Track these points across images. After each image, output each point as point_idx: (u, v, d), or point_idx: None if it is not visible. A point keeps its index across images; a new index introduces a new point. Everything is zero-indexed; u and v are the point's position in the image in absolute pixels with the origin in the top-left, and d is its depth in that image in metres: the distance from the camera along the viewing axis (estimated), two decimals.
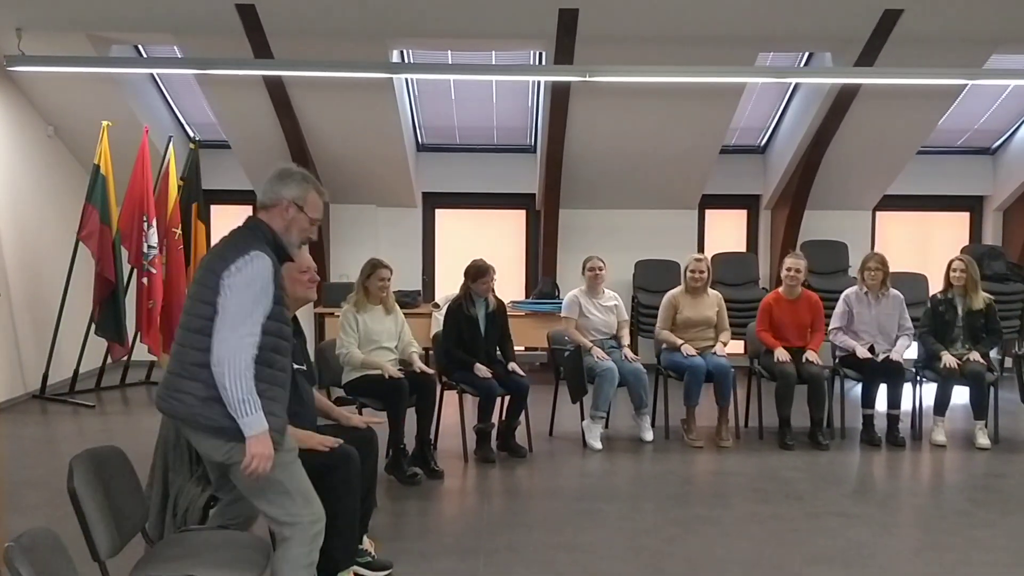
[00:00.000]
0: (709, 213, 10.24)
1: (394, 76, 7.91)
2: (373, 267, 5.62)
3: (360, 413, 5.38)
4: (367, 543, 3.99)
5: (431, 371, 5.71)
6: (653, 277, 9.48)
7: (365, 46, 7.52)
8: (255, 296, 2.89)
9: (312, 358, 5.63)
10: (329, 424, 4.12)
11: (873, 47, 7.48)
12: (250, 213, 10.18)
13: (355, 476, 3.57)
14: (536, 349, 9.32)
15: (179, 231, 8.07)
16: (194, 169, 8.42)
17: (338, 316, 5.69)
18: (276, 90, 8.06)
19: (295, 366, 3.73)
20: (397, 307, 5.81)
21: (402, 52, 8.18)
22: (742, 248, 10.25)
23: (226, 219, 9.98)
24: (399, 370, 5.51)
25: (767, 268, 9.96)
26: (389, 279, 5.63)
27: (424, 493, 5.33)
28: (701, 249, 10.03)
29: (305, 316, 9.23)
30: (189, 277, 7.81)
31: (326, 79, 7.83)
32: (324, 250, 9.49)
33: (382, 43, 7.62)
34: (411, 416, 5.57)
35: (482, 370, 5.92)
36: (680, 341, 6.56)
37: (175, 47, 7.91)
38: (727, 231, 10.32)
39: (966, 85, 8.20)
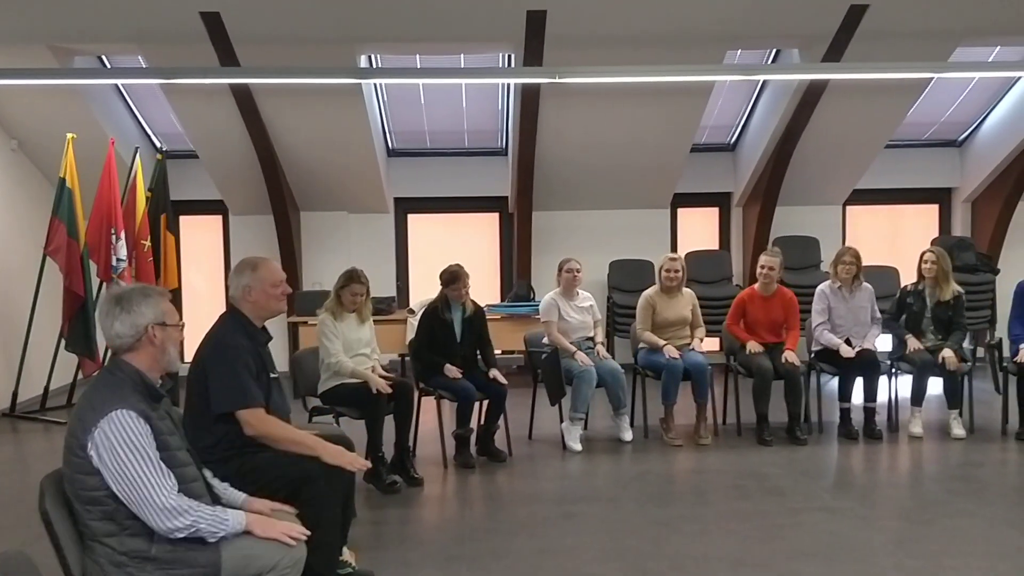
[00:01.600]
0: (681, 212, 10.27)
1: (362, 82, 7.86)
2: (349, 279, 5.57)
3: (337, 422, 5.35)
4: (347, 554, 3.94)
5: (388, 390, 5.46)
6: (628, 277, 9.49)
7: (332, 52, 7.47)
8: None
9: (287, 367, 5.66)
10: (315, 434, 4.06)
11: (840, 43, 7.54)
12: (220, 223, 10.09)
13: (334, 487, 3.53)
14: (513, 352, 9.28)
15: (148, 243, 7.96)
16: (162, 180, 8.33)
17: (312, 325, 5.63)
18: (243, 98, 7.98)
19: (270, 375, 3.71)
20: (371, 324, 5.76)
21: (370, 57, 8.13)
22: (715, 246, 10.29)
23: (196, 230, 9.93)
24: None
25: (740, 265, 10.01)
26: (363, 295, 5.58)
27: (404, 501, 5.28)
28: (674, 248, 10.07)
29: (278, 325, 9.17)
30: None
31: (294, 86, 7.77)
32: (296, 258, 9.42)
33: (350, 49, 7.57)
34: (390, 424, 5.52)
35: (451, 370, 5.89)
36: (663, 342, 6.55)
37: (139, 57, 7.81)
38: (699, 229, 10.36)
39: (932, 79, 8.28)
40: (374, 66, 8.23)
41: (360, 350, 5.54)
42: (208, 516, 2.79)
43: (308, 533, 3.02)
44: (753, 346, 6.56)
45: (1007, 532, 4.54)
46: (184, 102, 8.17)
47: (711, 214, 10.40)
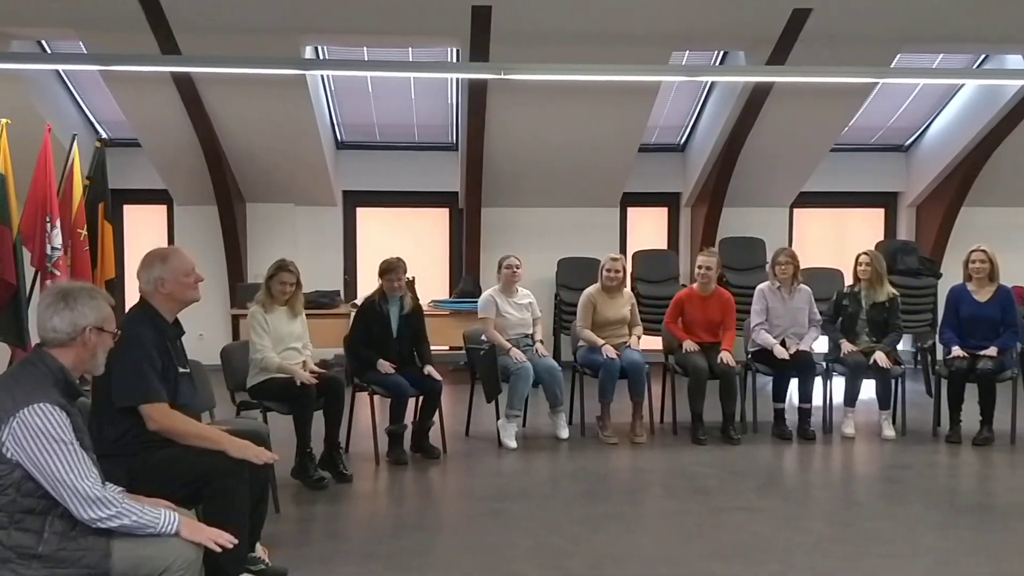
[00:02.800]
0: (631, 211, 10.31)
1: (307, 73, 7.79)
2: (278, 268, 5.50)
3: (265, 417, 5.29)
4: (260, 550, 3.89)
5: (313, 381, 5.38)
6: (576, 275, 9.47)
7: (277, 42, 7.40)
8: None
9: (217, 360, 5.58)
10: (226, 428, 4.01)
11: (784, 46, 7.59)
12: (164, 213, 9.96)
13: (243, 483, 3.47)
14: (460, 348, 9.24)
15: (85, 232, 7.79)
16: (100, 168, 8.15)
17: None
18: (185, 87, 7.88)
19: (180, 369, 3.65)
20: (303, 310, 5.69)
21: (316, 48, 8.06)
22: (664, 245, 10.33)
23: (140, 219, 9.79)
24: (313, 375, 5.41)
25: (687, 265, 10.04)
26: (293, 283, 5.50)
27: (332, 497, 5.23)
28: (623, 247, 10.10)
29: (221, 317, 9.09)
30: (96, 279, 7.58)
31: (237, 75, 7.68)
32: (241, 250, 9.33)
33: (294, 39, 7.50)
34: (320, 419, 5.46)
35: (384, 365, 5.84)
36: (601, 342, 6.56)
37: (80, 43, 7.68)
38: (649, 228, 10.41)
39: (877, 84, 8.37)
40: (320, 57, 8.15)
41: (291, 344, 5.47)
42: (135, 512, 2.76)
43: (235, 541, 2.98)
44: (689, 345, 6.60)
45: (924, 533, 4.60)
46: (125, 90, 8.05)
47: (660, 214, 10.44)
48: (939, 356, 6.85)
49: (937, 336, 6.96)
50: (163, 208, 9.80)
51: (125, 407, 3.42)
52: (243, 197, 9.46)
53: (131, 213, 9.85)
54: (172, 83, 7.82)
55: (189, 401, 3.68)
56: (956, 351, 6.42)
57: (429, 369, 6.04)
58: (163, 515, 2.82)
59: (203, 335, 8.61)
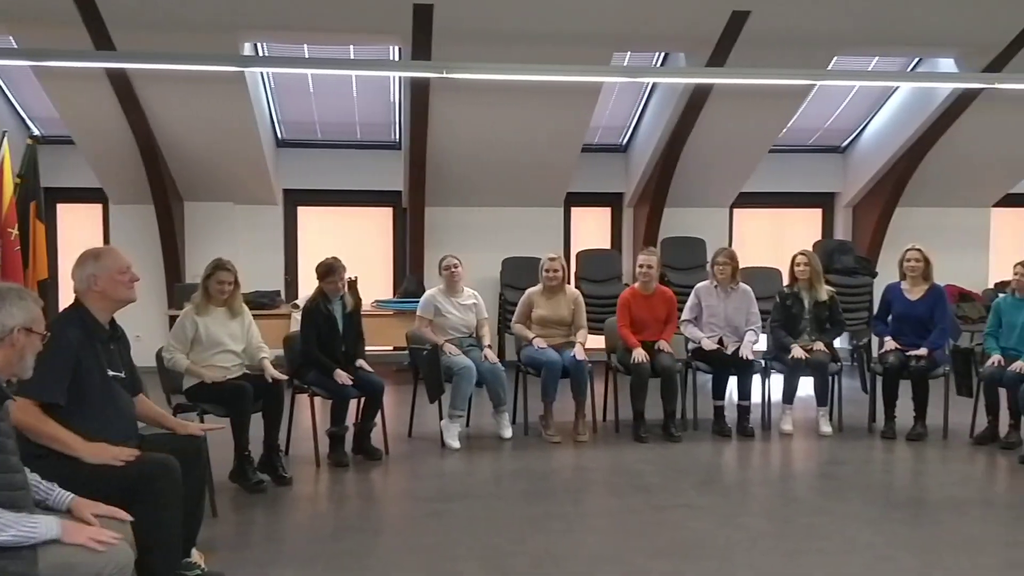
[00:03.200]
0: (575, 211, 10.35)
1: (246, 70, 7.67)
2: (214, 268, 5.39)
3: (201, 420, 5.18)
4: (196, 555, 3.82)
5: (284, 377, 5.47)
6: (520, 274, 9.46)
7: (215, 39, 7.29)
8: None
9: (153, 362, 5.47)
10: (163, 433, 3.93)
11: (723, 48, 7.68)
12: (100, 212, 9.74)
13: (175, 487, 3.40)
14: (403, 349, 9.20)
15: (15, 231, 7.59)
16: (32, 166, 7.94)
17: None
18: (120, 84, 7.72)
19: (111, 373, 3.57)
20: (245, 309, 5.59)
21: (255, 45, 7.95)
22: (607, 245, 10.39)
23: (75, 218, 9.58)
24: (243, 376, 5.34)
25: (630, 264, 10.10)
26: (231, 282, 5.40)
27: (271, 501, 5.16)
28: (567, 246, 10.15)
29: (158, 318, 8.92)
30: (27, 280, 7.38)
31: (174, 72, 7.52)
32: (179, 250, 9.17)
33: (233, 36, 7.39)
34: (259, 422, 5.39)
35: (342, 376, 5.76)
36: (531, 334, 6.57)
37: (10, 37, 7.46)
38: (593, 228, 10.46)
39: (814, 86, 8.51)
40: (260, 54, 8.05)
41: (227, 347, 5.37)
42: (12, 522, 2.66)
43: (119, 537, 2.89)
44: (639, 355, 6.52)
45: (860, 528, 4.68)
46: (58, 86, 7.85)
47: (603, 214, 10.50)
48: (875, 353, 6.99)
49: (872, 331, 7.10)
50: (98, 207, 9.59)
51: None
52: (181, 196, 9.29)
53: (65, 212, 9.63)
54: (107, 79, 7.65)
55: (121, 405, 3.59)
56: (889, 342, 6.57)
57: (360, 362, 5.99)
58: (40, 523, 2.72)
59: (140, 336, 8.39)
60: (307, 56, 8.15)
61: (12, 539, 2.64)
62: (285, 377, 5.40)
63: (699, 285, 6.95)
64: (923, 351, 6.43)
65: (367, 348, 6.26)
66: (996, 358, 6.27)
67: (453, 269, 6.62)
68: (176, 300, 8.29)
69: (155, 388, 5.16)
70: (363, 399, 6.00)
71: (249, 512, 4.98)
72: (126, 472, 3.33)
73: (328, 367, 5.81)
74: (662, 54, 8.56)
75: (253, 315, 5.73)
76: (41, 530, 2.69)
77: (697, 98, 8.37)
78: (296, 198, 9.88)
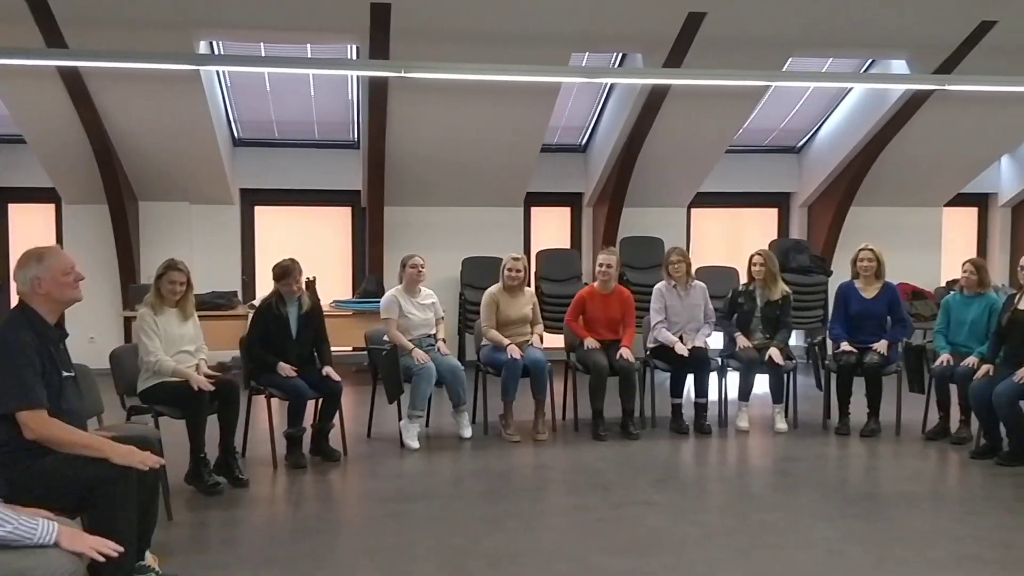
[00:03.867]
0: (534, 210, 10.37)
1: (201, 68, 7.59)
2: (166, 268, 5.33)
3: (156, 423, 5.13)
4: (150, 558, 3.78)
5: (209, 388, 5.25)
6: (480, 274, 9.47)
7: (169, 37, 7.20)
8: None
9: (107, 364, 5.39)
10: (116, 436, 3.87)
11: (680, 49, 7.74)
12: (53, 212, 9.61)
13: (130, 490, 3.36)
14: (362, 349, 9.15)
15: None
16: None
17: None
18: (73, 82, 7.59)
19: (64, 373, 3.52)
20: (195, 319, 5.54)
21: (211, 43, 7.87)
22: (566, 244, 10.43)
23: (27, 218, 9.41)
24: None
25: (590, 264, 10.15)
26: (183, 283, 5.34)
27: (227, 503, 5.11)
28: (527, 246, 10.17)
29: (112, 319, 8.81)
30: None
31: (128, 70, 7.42)
32: (133, 250, 9.04)
33: (188, 34, 7.31)
34: (215, 423, 5.33)
35: (285, 368, 5.74)
36: (507, 342, 6.56)
37: None
38: (552, 228, 10.48)
39: (769, 86, 8.61)
40: (216, 52, 7.96)
41: (183, 347, 5.32)
42: (10, 522, 2.64)
43: (120, 549, 2.87)
44: (590, 342, 6.66)
45: (813, 524, 4.76)
46: (8, 84, 7.70)
47: (563, 213, 10.53)
48: (829, 351, 7.09)
49: (827, 332, 7.19)
50: (51, 207, 9.42)
51: (3, 414, 3.28)
52: (135, 195, 9.16)
53: (17, 212, 9.47)
54: (59, 78, 7.52)
55: (74, 406, 3.55)
56: (844, 346, 6.66)
57: (328, 370, 5.94)
58: (40, 525, 2.71)
59: (94, 338, 8.37)
60: (264, 55, 8.08)
61: (9, 535, 2.61)
62: (211, 387, 5.19)
63: (659, 285, 7.00)
64: (883, 345, 6.56)
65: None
66: (945, 357, 6.39)
67: (420, 269, 6.60)
68: (131, 301, 8.18)
69: (108, 390, 5.11)
70: (321, 400, 5.97)
71: (205, 514, 4.93)
72: (79, 476, 3.29)
73: (270, 363, 5.77)
74: (620, 55, 8.61)
75: (210, 316, 5.71)
76: (40, 532, 2.67)
77: (654, 99, 8.43)
78: (253, 198, 9.79)
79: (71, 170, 8.66)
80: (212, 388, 5.17)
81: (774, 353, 6.64)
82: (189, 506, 5.00)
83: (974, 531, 4.59)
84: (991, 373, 5.91)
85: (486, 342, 6.77)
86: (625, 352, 6.62)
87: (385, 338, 6.56)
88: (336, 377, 5.93)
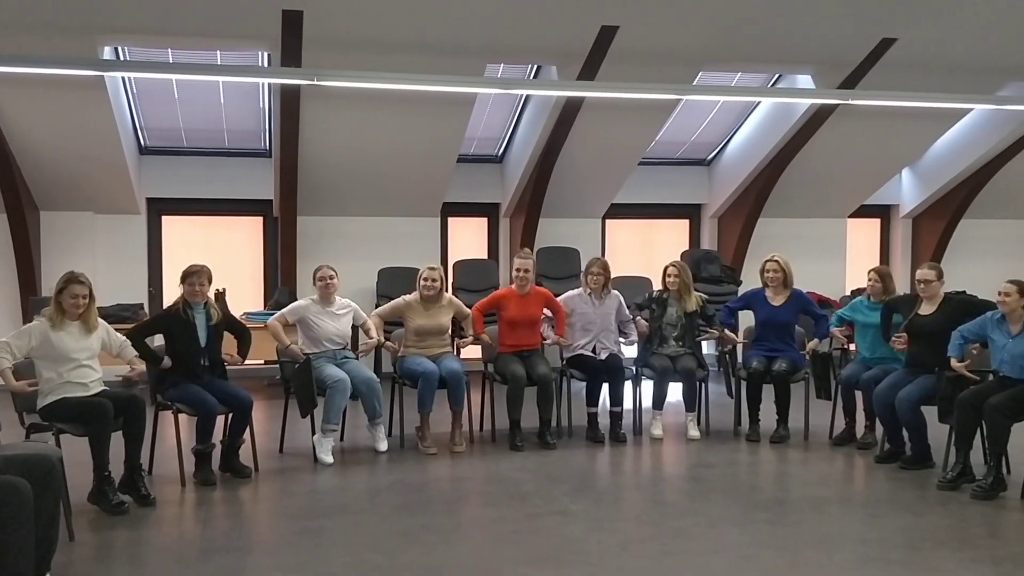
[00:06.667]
0: (451, 221, 10.35)
1: (105, 74, 7.36)
2: (67, 281, 5.12)
3: (57, 440, 4.93)
4: None
5: (142, 367, 5.38)
6: (397, 285, 9.36)
7: (72, 41, 6.98)
8: None
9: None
10: (11, 454, 3.72)
11: (593, 62, 7.83)
12: None
13: (24, 510, 3.24)
14: (275, 362, 8.98)
15: None
16: None
17: None
18: None
19: None
20: (101, 322, 5.35)
21: (116, 49, 7.64)
22: (484, 255, 10.43)
23: None
24: (102, 392, 5.14)
25: (507, 274, 10.17)
26: (85, 296, 5.14)
27: (133, 522, 4.93)
28: (444, 256, 10.14)
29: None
30: None
31: (28, 75, 7.16)
32: (34, 262, 8.71)
33: (91, 39, 7.09)
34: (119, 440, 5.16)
35: (167, 360, 5.71)
36: (288, 342, 6.38)
37: None
38: (469, 238, 10.49)
39: (680, 100, 8.77)
40: (120, 58, 7.74)
41: (84, 361, 5.12)
42: None
43: None
44: (484, 339, 6.77)
45: (726, 529, 4.83)
46: None
47: (480, 224, 10.54)
48: (739, 360, 7.23)
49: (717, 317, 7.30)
50: None
51: None
52: (36, 205, 8.83)
53: None
54: None
55: None
56: (728, 334, 7.00)
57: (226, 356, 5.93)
58: None
59: None
60: (171, 61, 7.88)
61: None
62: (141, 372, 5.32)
63: (570, 295, 7.04)
64: (814, 343, 6.88)
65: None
66: (836, 330, 6.79)
67: (328, 280, 6.49)
68: (31, 315, 7.82)
69: (6, 407, 4.91)
70: (230, 415, 5.83)
71: (109, 535, 4.76)
72: None
73: (146, 352, 5.63)
74: (535, 66, 8.67)
75: (115, 330, 5.52)
76: None
77: (569, 111, 8.50)
78: (160, 207, 9.54)
79: None
80: (26, 390, 4.93)
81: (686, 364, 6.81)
82: (92, 526, 4.82)
83: (879, 533, 4.73)
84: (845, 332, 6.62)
85: (402, 353, 6.69)
86: (561, 340, 6.83)
87: (292, 346, 6.39)
88: (231, 362, 5.90)
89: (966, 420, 5.48)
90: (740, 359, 7.18)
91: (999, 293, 5.50)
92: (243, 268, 9.75)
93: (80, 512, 4.84)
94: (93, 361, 5.21)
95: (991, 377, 5.63)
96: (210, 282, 5.82)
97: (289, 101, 7.87)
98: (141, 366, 5.46)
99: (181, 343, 5.70)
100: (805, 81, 9.05)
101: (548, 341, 6.99)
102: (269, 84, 8.20)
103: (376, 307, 9.16)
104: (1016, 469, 5.57)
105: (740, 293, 9.67)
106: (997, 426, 5.30)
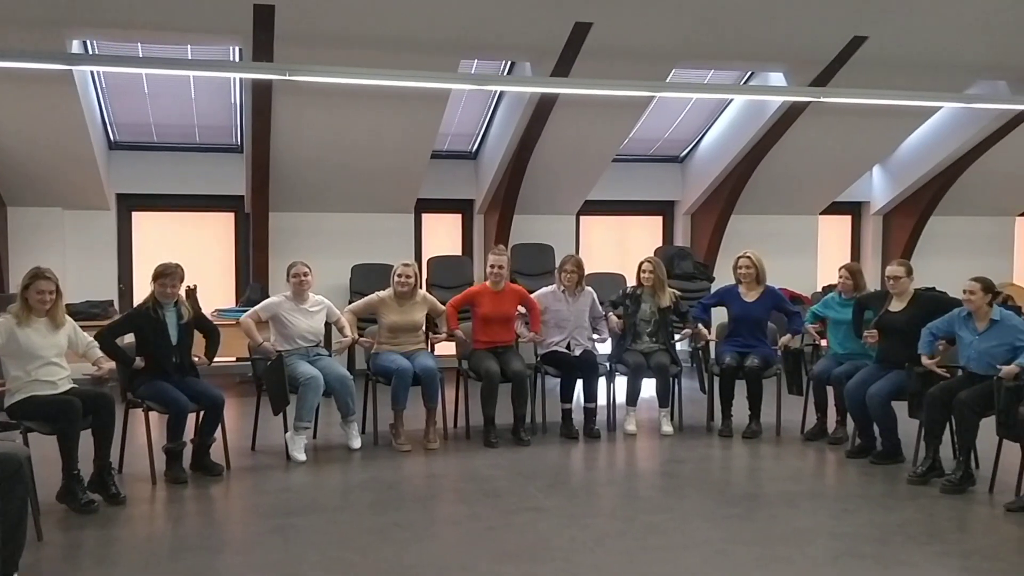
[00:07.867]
0: (425, 217, 10.31)
1: (74, 68, 7.26)
2: (33, 277, 5.06)
3: (25, 439, 4.87)
4: None
5: (110, 366, 5.33)
6: (370, 281, 9.33)
7: (40, 34, 6.86)
8: None
9: None
10: None
11: (567, 58, 7.82)
12: None
13: None
14: (246, 359, 8.91)
15: None
16: None
17: None
18: None
19: None
20: (68, 320, 5.28)
21: (84, 43, 7.55)
22: (458, 251, 10.41)
23: None
24: (71, 390, 5.09)
25: (481, 270, 10.15)
26: (52, 292, 5.08)
27: (103, 521, 4.88)
28: (418, 253, 10.10)
29: None
30: None
31: None
32: (1, 259, 8.57)
33: (59, 32, 6.98)
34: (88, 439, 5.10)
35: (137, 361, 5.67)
36: (260, 340, 6.40)
37: None
38: (444, 235, 10.45)
39: (654, 97, 8.79)
40: (89, 52, 7.64)
41: (51, 359, 5.06)
42: None
43: None
44: (457, 334, 6.80)
45: (698, 524, 4.86)
46: None
47: (455, 220, 10.51)
48: (712, 355, 7.26)
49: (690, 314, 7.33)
50: None
51: None
52: (3, 200, 8.70)
53: None
54: None
55: None
56: (701, 329, 7.04)
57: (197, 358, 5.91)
58: None
59: None
60: (141, 55, 7.79)
61: None
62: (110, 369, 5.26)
63: (544, 292, 7.05)
64: (787, 337, 6.93)
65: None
66: (810, 327, 6.93)
67: (302, 277, 6.45)
68: None
69: None
70: (202, 413, 5.78)
71: (78, 534, 4.70)
72: None
73: (118, 353, 5.60)
74: (509, 63, 8.65)
75: (84, 326, 5.47)
76: None
77: (543, 107, 8.49)
78: (131, 203, 9.43)
79: None
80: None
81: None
82: (61, 526, 4.76)
83: (850, 528, 4.78)
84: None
85: (376, 350, 6.67)
86: (535, 337, 6.85)
87: (266, 344, 6.36)
88: (201, 360, 5.89)
89: (935, 415, 5.54)
90: (713, 355, 7.21)
91: (964, 291, 5.57)
92: (215, 264, 9.66)
93: (49, 511, 4.79)
94: (61, 358, 5.15)
95: (960, 373, 5.70)
96: (182, 281, 5.76)
97: (261, 96, 7.81)
98: (109, 364, 5.39)
99: (152, 342, 5.65)
100: (777, 79, 9.08)
101: (523, 339, 7.00)
102: (240, 79, 8.12)
103: (349, 303, 9.21)
104: (984, 464, 5.63)
105: (713, 289, 9.77)
106: (966, 421, 5.36)
